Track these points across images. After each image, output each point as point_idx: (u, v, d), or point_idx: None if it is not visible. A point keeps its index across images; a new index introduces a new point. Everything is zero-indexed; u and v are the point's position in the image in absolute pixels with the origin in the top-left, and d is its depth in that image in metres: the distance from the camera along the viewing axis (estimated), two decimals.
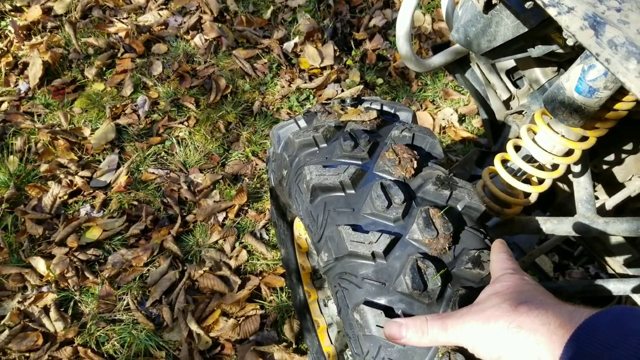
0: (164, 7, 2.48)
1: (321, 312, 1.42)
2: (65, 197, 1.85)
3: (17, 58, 2.23)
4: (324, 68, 2.26)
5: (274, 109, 2.13)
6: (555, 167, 1.03)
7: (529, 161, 1.03)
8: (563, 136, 0.97)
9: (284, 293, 1.68)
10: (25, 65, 2.19)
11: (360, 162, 0.95)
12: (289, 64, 2.28)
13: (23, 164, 1.91)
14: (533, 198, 1.07)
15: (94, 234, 1.77)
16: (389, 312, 0.82)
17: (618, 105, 0.89)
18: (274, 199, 1.38)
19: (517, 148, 1.06)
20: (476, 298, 0.77)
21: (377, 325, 0.81)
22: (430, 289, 0.81)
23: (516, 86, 1.45)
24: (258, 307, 1.65)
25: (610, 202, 1.22)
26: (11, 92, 2.13)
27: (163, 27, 2.40)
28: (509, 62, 1.43)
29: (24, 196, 1.86)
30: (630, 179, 1.24)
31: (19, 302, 1.63)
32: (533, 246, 1.38)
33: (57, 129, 2.01)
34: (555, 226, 1.11)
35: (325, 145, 1.01)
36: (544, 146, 1.00)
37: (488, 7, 0.80)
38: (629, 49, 0.60)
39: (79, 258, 1.72)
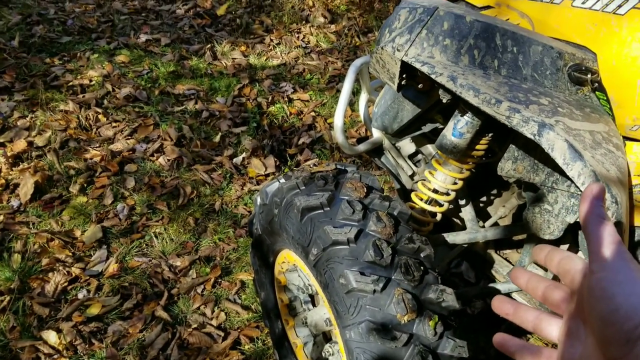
0: (130, 137, 3.01)
1: (297, 335, 1.85)
2: (65, 284, 2.20)
3: (8, 181, 2.62)
4: (268, 175, 2.83)
5: (233, 207, 2.64)
6: (449, 193, 1.62)
7: (433, 192, 1.62)
8: (450, 171, 1.57)
9: (260, 341, 2.08)
10: (16, 185, 2.59)
11: (330, 192, 1.48)
12: (239, 173, 2.84)
13: (25, 262, 2.25)
14: (438, 217, 1.65)
15: (94, 310, 2.11)
16: (362, 274, 1.32)
17: (478, 147, 1.52)
18: (257, 249, 1.86)
19: (425, 187, 1.65)
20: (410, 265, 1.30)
21: (356, 281, 1.31)
22: (384, 257, 1.33)
23: (416, 166, 2.08)
24: (239, 353, 2.04)
25: (487, 224, 1.82)
26: (5, 207, 2.51)
27: (131, 152, 2.91)
28: (410, 148, 2.05)
29: (28, 287, 2.18)
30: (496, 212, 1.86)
31: None
32: (447, 260, 1.92)
33: (52, 231, 2.39)
34: (454, 237, 1.69)
35: (304, 187, 1.54)
36: (440, 179, 1.59)
37: (400, 87, 1.39)
38: (470, 86, 1.18)
39: (84, 330, 2.04)
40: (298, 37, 4.22)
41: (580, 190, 1.02)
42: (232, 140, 3.07)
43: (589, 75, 1.19)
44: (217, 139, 3.05)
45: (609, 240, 0.50)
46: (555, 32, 1.30)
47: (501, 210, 1.81)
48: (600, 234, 0.51)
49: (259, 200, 1.73)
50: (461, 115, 1.41)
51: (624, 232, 1.01)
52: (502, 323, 2.19)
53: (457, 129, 1.43)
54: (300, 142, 3.09)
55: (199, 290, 2.24)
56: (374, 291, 1.29)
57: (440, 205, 1.63)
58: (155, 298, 2.20)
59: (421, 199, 1.64)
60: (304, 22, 4.41)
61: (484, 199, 1.94)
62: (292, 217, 1.49)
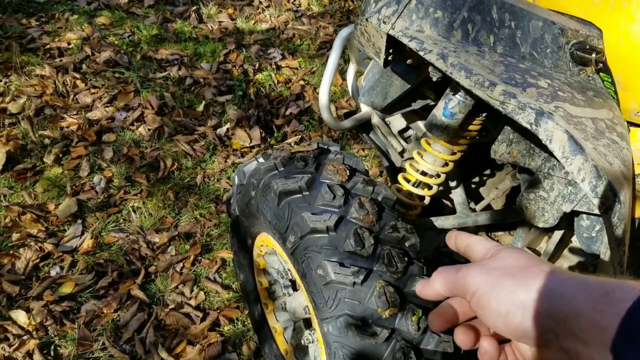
0: (109, 104, 2.87)
1: (277, 319, 1.77)
2: (37, 260, 2.10)
3: None
4: (253, 147, 2.72)
5: (215, 180, 2.53)
6: (438, 175, 1.52)
7: (421, 174, 1.52)
8: (440, 152, 1.46)
9: (240, 322, 2.00)
10: None
11: (310, 174, 1.38)
12: (223, 145, 2.72)
13: None
14: (427, 201, 1.55)
15: (67, 288, 2.02)
16: (342, 265, 1.23)
17: (470, 127, 1.41)
18: (234, 231, 1.76)
19: (413, 168, 1.55)
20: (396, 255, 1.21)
21: (334, 273, 1.22)
22: (366, 247, 1.24)
23: (406, 142, 1.97)
24: (218, 335, 1.96)
25: (478, 207, 1.73)
26: None
27: (110, 120, 2.78)
28: (400, 123, 1.94)
29: None
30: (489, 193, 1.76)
31: (2, 349, 1.84)
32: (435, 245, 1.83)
33: (24, 204, 2.28)
34: (443, 222, 1.59)
35: (283, 168, 1.44)
36: (429, 161, 1.49)
37: (386, 63, 1.28)
38: (462, 66, 1.06)
39: (55, 309, 1.96)
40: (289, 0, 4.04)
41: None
42: (217, 109, 2.95)
43: (594, 55, 1.08)
44: (201, 108, 2.93)
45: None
46: (558, 5, 1.19)
47: (494, 192, 1.72)
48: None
49: (236, 179, 1.63)
50: (453, 94, 1.30)
51: (626, 231, 0.92)
52: None
53: (449, 108, 1.32)
54: (288, 112, 2.97)
55: (178, 268, 2.15)
56: (354, 283, 1.21)
57: (429, 188, 1.53)
58: (131, 276, 2.11)
59: (409, 181, 1.54)
60: None
61: (476, 179, 1.84)
62: (270, 200, 1.40)
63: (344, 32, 1.66)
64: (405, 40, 1.09)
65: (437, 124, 1.37)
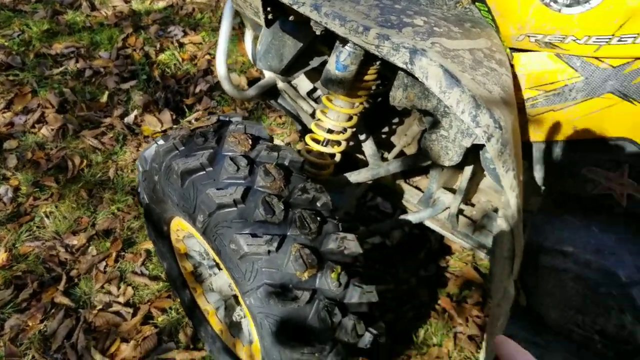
0: (6, 110, 2.70)
1: (208, 301, 1.74)
2: None
3: None
4: (165, 131, 2.63)
5: (129, 171, 2.43)
6: (345, 130, 1.50)
7: (328, 132, 1.50)
8: (341, 107, 1.44)
9: (173, 311, 1.95)
10: None
11: (212, 149, 1.33)
12: (133, 133, 2.61)
13: None
14: (337, 158, 1.53)
15: None
16: (254, 236, 1.20)
17: (367, 77, 1.39)
18: (148, 219, 1.70)
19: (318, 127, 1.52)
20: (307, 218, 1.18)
21: (247, 245, 1.18)
22: (277, 214, 1.21)
23: (316, 102, 1.94)
24: (153, 327, 1.91)
25: (390, 155, 1.73)
26: None
27: (10, 126, 2.61)
28: (307, 85, 1.91)
29: None
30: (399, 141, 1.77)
31: None
32: (354, 200, 1.83)
33: None
34: (357, 176, 1.58)
35: (183, 147, 1.38)
36: (333, 117, 1.46)
37: (268, 22, 1.23)
38: (336, 14, 1.02)
39: None
40: None
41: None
42: (122, 97, 2.82)
43: None
44: (105, 98, 2.79)
45: None
46: None
47: (404, 139, 1.72)
48: None
49: (140, 167, 1.56)
50: (342, 46, 1.27)
51: (515, 155, 0.93)
52: (420, 250, 2.16)
53: (341, 61, 1.29)
54: (198, 90, 2.88)
55: (101, 267, 2.07)
56: (269, 252, 1.18)
57: (338, 145, 1.51)
58: (53, 283, 2.02)
59: (318, 142, 1.51)
60: None
61: (386, 129, 1.84)
62: (173, 182, 1.34)
63: None
64: None
65: (332, 78, 1.34)
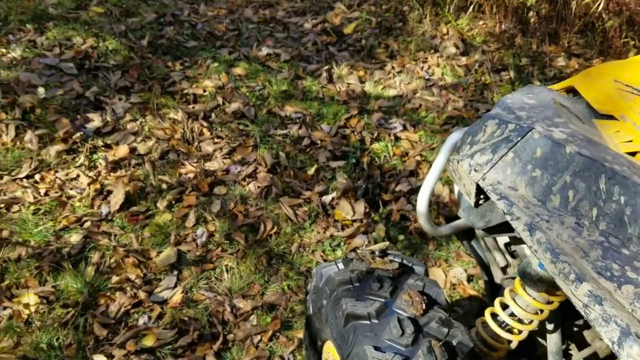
0: (227, 156, 2.98)
1: None
2: (129, 307, 2.20)
3: (103, 186, 2.69)
4: (355, 221, 2.67)
5: (310, 251, 2.51)
6: (530, 322, 1.37)
7: (511, 315, 1.37)
8: (534, 299, 1.31)
9: None
10: (109, 192, 2.65)
11: (383, 300, 1.30)
12: (325, 214, 2.70)
13: (97, 275, 2.29)
14: (514, 345, 1.40)
15: (149, 341, 2.09)
16: None
17: None
18: (308, 327, 1.71)
19: (504, 305, 1.41)
20: None
21: None
22: None
23: (513, 256, 1.81)
24: None
25: (579, 356, 1.53)
26: (94, 213, 2.57)
27: (225, 172, 2.88)
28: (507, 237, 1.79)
29: (94, 302, 2.21)
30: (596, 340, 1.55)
31: None
32: None
33: (129, 248, 2.41)
34: None
35: (358, 284, 1.37)
36: (521, 305, 1.34)
37: (477, 204, 1.18)
38: (548, 247, 0.94)
39: None
40: (422, 67, 3.99)
41: None
42: (327, 174, 2.94)
43: None
44: (312, 171, 2.94)
45: None
46: None
47: (597, 342, 1.51)
48: None
49: (314, 279, 1.59)
50: None
51: None
52: None
53: None
54: (398, 188, 2.89)
55: (255, 340, 2.14)
56: None
57: (519, 333, 1.38)
58: (210, 339, 2.13)
59: (498, 321, 1.39)
60: (432, 50, 4.17)
61: (580, 321, 1.63)
62: (337, 318, 1.33)
63: (453, 137, 1.56)
64: (493, 197, 0.99)
65: (531, 273, 1.24)
